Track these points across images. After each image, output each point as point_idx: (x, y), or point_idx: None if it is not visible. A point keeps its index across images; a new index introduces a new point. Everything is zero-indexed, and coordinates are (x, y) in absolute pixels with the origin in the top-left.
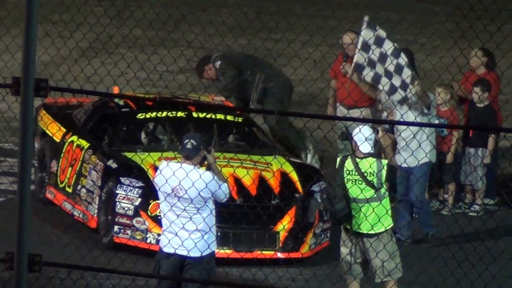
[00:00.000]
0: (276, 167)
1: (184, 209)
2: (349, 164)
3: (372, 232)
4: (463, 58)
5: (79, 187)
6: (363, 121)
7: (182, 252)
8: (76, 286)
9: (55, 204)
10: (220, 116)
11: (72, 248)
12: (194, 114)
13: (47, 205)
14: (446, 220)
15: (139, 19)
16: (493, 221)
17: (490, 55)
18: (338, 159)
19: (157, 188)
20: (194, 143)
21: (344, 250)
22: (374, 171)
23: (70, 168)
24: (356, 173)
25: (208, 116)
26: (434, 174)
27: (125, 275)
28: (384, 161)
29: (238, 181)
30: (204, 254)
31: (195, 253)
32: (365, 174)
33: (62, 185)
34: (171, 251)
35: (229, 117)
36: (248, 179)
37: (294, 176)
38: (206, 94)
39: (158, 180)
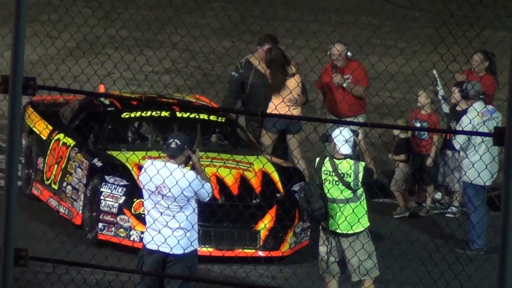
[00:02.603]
0: (258, 167)
1: (168, 207)
2: (328, 165)
3: (350, 231)
4: (443, 63)
5: (64, 184)
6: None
7: (165, 249)
8: (61, 280)
9: (41, 200)
10: (203, 116)
11: (58, 244)
12: (178, 114)
13: (34, 201)
14: (424, 221)
15: (126, 21)
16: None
17: (490, 59)
18: (317, 160)
19: (142, 186)
20: (178, 143)
21: (322, 249)
22: (352, 173)
23: (56, 166)
24: (334, 174)
25: (192, 116)
26: (414, 176)
27: (109, 270)
28: (362, 163)
29: (220, 181)
30: (186, 251)
31: (178, 251)
32: (343, 175)
33: (48, 182)
34: (154, 248)
35: (212, 117)
36: (230, 178)
37: (275, 176)
38: (191, 95)
39: (142, 178)
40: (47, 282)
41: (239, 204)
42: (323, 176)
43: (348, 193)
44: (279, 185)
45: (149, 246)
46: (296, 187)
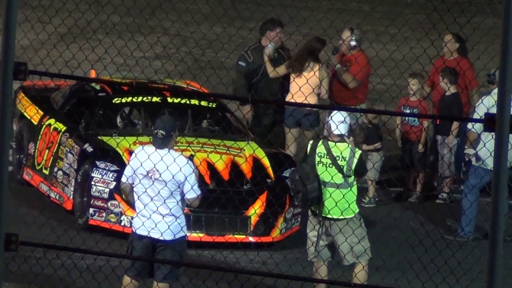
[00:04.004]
0: (248, 152)
1: (158, 192)
2: (321, 148)
3: (341, 217)
4: (434, 49)
5: (55, 169)
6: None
7: (155, 234)
8: (52, 265)
9: (32, 186)
10: (194, 101)
11: (48, 229)
12: (169, 100)
13: (24, 186)
14: (414, 207)
15: (117, 6)
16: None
17: (462, 41)
18: (310, 143)
19: (132, 171)
20: (164, 133)
21: (312, 234)
22: (346, 156)
23: (47, 151)
24: (328, 157)
25: (183, 101)
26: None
27: (99, 255)
28: (358, 151)
29: (211, 166)
30: (176, 237)
31: (168, 236)
32: (337, 157)
33: (39, 167)
34: (145, 233)
35: (203, 103)
36: (221, 164)
37: (266, 161)
38: (181, 80)
39: (133, 163)
40: (37, 267)
41: (229, 190)
42: (317, 159)
43: (339, 178)
44: (270, 170)
45: (139, 232)
46: (287, 173)
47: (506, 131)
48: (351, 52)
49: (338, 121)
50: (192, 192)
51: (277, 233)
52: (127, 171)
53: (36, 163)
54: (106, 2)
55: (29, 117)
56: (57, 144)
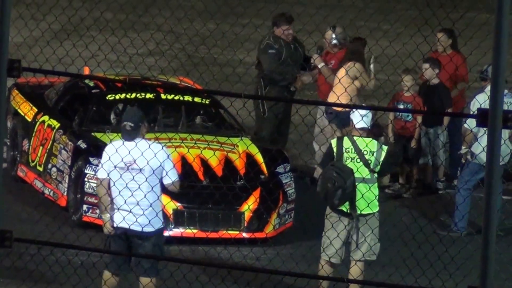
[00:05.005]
0: (242, 148)
1: (137, 183)
2: (347, 143)
3: (369, 212)
4: (426, 45)
5: (49, 166)
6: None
7: (135, 227)
8: (46, 261)
9: (26, 182)
10: (187, 98)
11: (42, 225)
12: (163, 96)
13: (19, 183)
14: (407, 202)
15: (110, 3)
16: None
17: (454, 36)
18: (333, 141)
19: (112, 166)
20: (132, 125)
21: (342, 234)
22: (373, 152)
23: (41, 147)
24: (355, 152)
25: (176, 98)
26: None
27: (93, 252)
28: (385, 146)
29: (204, 162)
30: (156, 228)
31: (148, 228)
32: (364, 152)
33: (33, 164)
34: (126, 226)
35: (196, 99)
36: (214, 160)
37: (259, 157)
38: (175, 77)
39: (113, 158)
40: (32, 264)
41: (223, 186)
42: (345, 155)
43: (367, 172)
44: (263, 166)
45: (120, 225)
46: (280, 169)
47: (498, 126)
48: (334, 51)
49: (361, 114)
50: (170, 177)
51: (270, 229)
52: (107, 166)
53: (30, 160)
54: None
55: (23, 114)
56: (51, 141)
